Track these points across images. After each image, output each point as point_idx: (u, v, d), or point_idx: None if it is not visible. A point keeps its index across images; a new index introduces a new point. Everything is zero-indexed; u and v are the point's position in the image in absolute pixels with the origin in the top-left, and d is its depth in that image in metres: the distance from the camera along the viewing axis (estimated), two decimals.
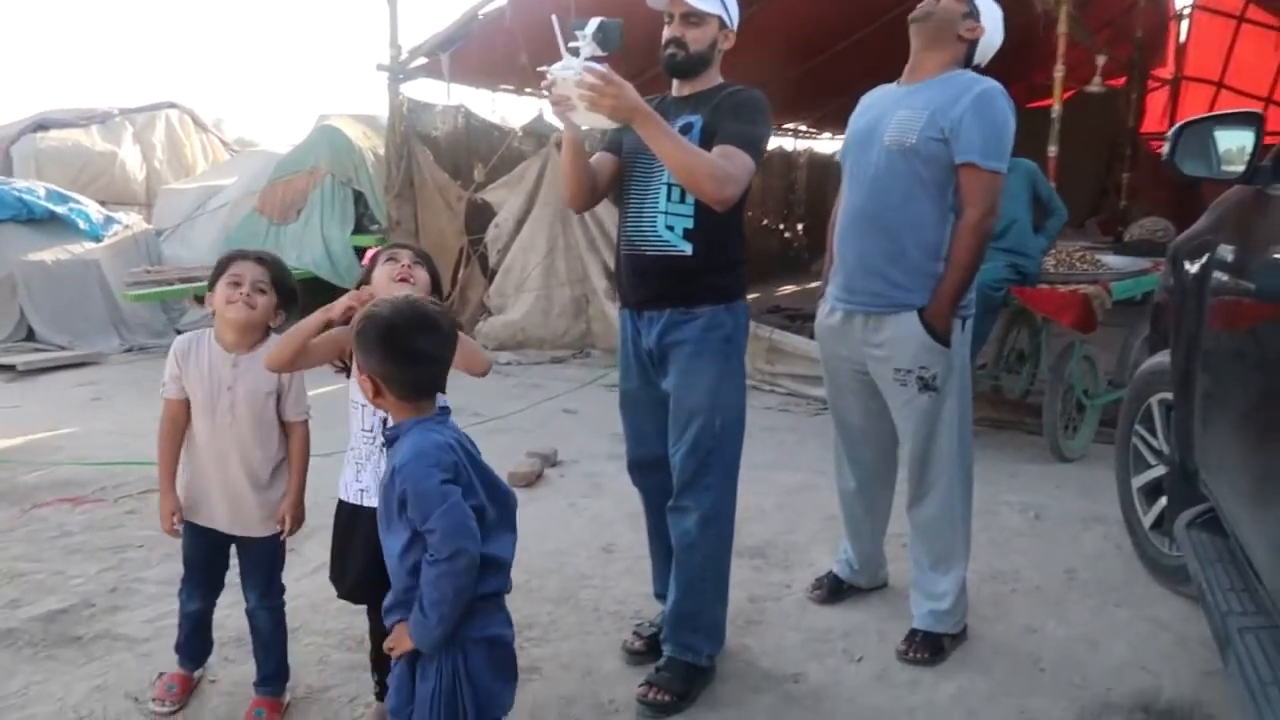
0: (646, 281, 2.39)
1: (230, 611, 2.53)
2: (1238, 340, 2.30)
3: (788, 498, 3.89)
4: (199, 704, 2.40)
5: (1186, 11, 13.35)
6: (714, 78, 2.41)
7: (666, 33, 2.37)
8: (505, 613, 1.79)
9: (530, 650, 2.61)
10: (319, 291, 5.24)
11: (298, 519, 2.32)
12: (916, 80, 2.57)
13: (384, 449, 2.09)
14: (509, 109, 12.45)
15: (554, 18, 2.11)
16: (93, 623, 2.80)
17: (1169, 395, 2.92)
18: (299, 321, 2.07)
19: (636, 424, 2.56)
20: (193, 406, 2.24)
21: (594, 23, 2.11)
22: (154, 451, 2.31)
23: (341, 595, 2.22)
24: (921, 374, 2.53)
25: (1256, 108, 12.56)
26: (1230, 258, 2.39)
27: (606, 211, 6.80)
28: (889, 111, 2.56)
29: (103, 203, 8.54)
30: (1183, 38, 13.52)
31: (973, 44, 2.56)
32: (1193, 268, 2.70)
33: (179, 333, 7.79)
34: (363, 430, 2.13)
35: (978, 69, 2.61)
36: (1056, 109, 6.83)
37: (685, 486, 2.39)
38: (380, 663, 2.24)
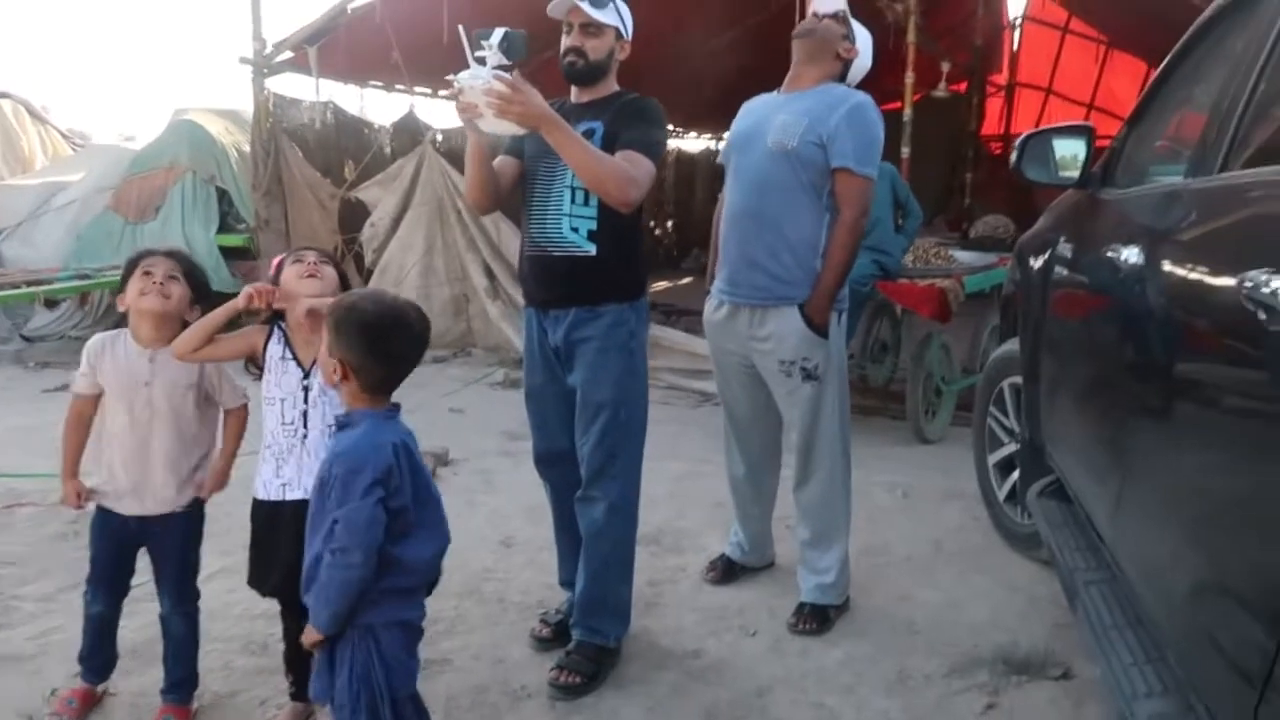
0: (553, 281, 2.48)
1: (124, 623, 2.47)
2: (1075, 328, 2.58)
3: (677, 485, 4.06)
4: (101, 717, 2.36)
5: (1018, 22, 14.33)
6: (611, 85, 2.53)
7: (566, 41, 2.46)
8: (419, 601, 1.88)
9: (439, 643, 2.67)
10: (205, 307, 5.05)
11: (220, 484, 2.33)
12: (796, 90, 2.77)
13: (304, 440, 2.14)
14: (378, 106, 12.21)
15: (460, 28, 2.17)
16: None
17: (1018, 379, 3.20)
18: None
19: (543, 418, 2.65)
20: (109, 403, 2.23)
21: (499, 32, 2.17)
22: (10, 465, 2.27)
23: (265, 593, 2.25)
24: (804, 364, 2.73)
25: (1081, 113, 13.63)
26: (1068, 254, 2.68)
27: None
28: (770, 117, 2.74)
29: None
30: (1015, 46, 14.50)
31: (847, 64, 2.78)
32: (1036, 263, 3.00)
33: (25, 339, 7.40)
34: (283, 424, 2.16)
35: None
36: (908, 113, 7.27)
37: (594, 477, 2.50)
38: (295, 662, 2.27)
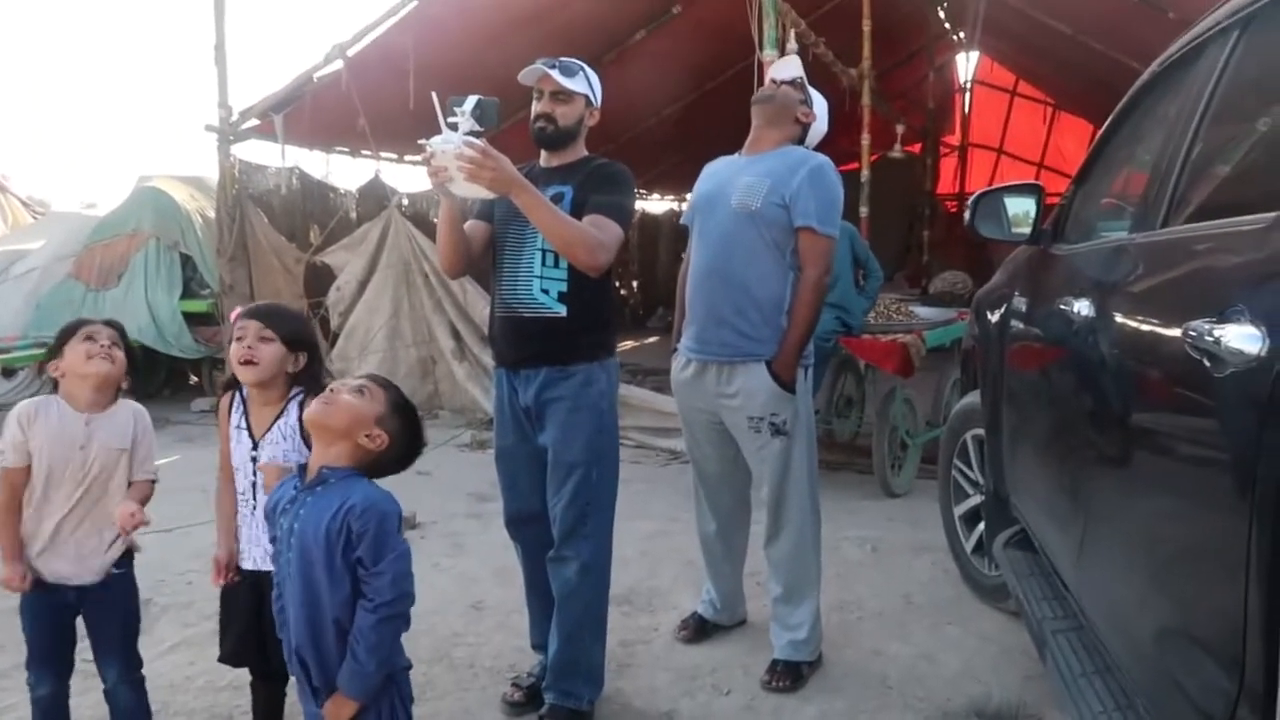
0: (524, 341, 2.51)
1: (76, 700, 2.38)
2: (1032, 379, 2.64)
3: (647, 544, 4.05)
4: None
5: (969, 85, 14.83)
6: (580, 150, 2.58)
7: (536, 107, 2.52)
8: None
9: None
10: (144, 359, 5.01)
11: (130, 517, 2.17)
12: (757, 152, 2.85)
13: (253, 511, 2.11)
14: (344, 171, 12.28)
15: (433, 94, 2.22)
16: None
17: (981, 431, 3.25)
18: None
19: (513, 479, 2.64)
20: (37, 471, 2.16)
21: (471, 100, 2.24)
22: None
23: (221, 659, 2.22)
24: (773, 420, 2.76)
25: (1031, 172, 14.05)
26: (1023, 308, 2.75)
27: None
28: (733, 179, 2.81)
29: None
30: (967, 109, 14.98)
31: (806, 127, 2.88)
32: (993, 318, 3.07)
33: None
34: (239, 494, 2.15)
35: None
36: (865, 173, 7.46)
37: (565, 537, 2.50)
38: None
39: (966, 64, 14.47)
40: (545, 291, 2.46)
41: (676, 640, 3.11)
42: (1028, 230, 2.75)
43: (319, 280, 7.33)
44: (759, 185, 2.73)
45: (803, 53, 5.66)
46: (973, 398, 3.41)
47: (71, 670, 2.30)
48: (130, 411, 2.26)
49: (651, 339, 11.27)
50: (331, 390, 1.81)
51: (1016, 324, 2.77)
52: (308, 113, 6.74)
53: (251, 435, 2.15)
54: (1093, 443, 1.93)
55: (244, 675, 2.41)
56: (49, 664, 2.23)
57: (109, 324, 2.27)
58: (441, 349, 6.99)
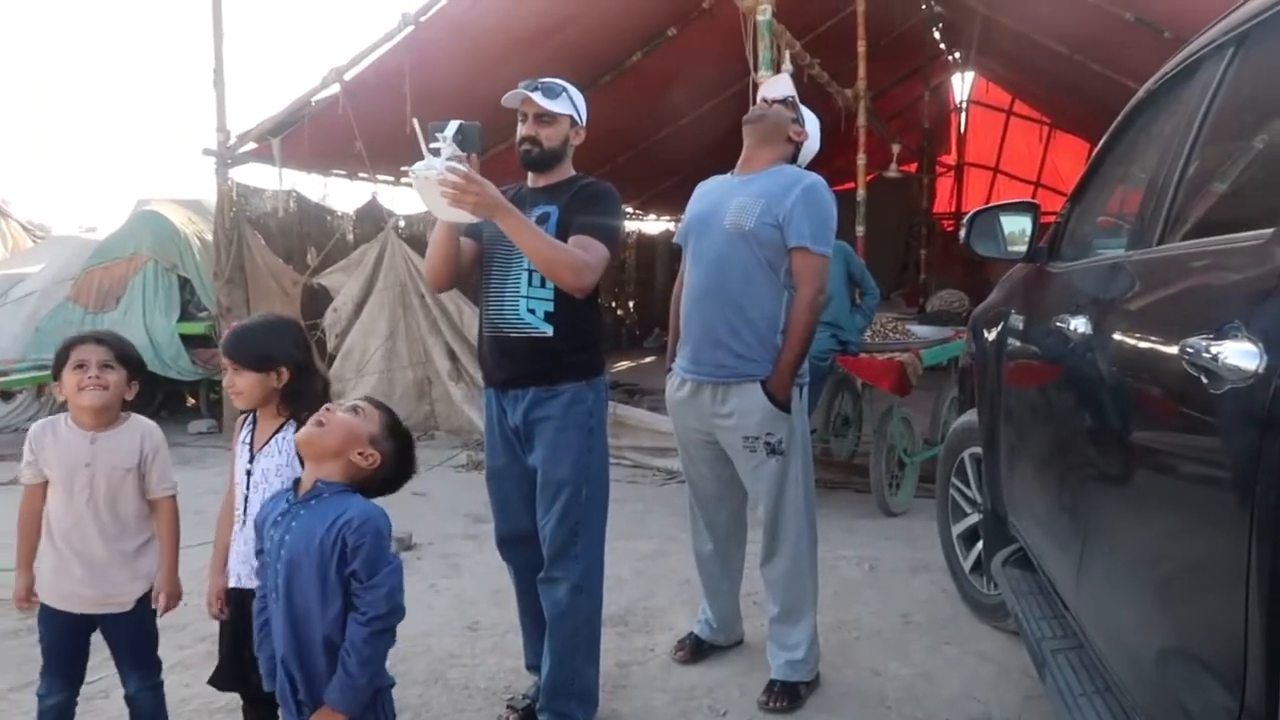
0: (511, 361, 2.50)
1: (83, 705, 2.39)
2: (1029, 397, 2.63)
3: (643, 564, 4.02)
4: None
5: (964, 105, 14.93)
6: (567, 170, 2.58)
7: (521, 130, 2.52)
8: None
9: None
10: (143, 382, 4.99)
11: (173, 595, 2.28)
12: (749, 172, 2.85)
13: (243, 525, 2.10)
14: (341, 194, 12.32)
15: (415, 120, 2.22)
16: None
17: (979, 449, 3.23)
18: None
19: (504, 499, 2.63)
20: (50, 488, 2.21)
21: (453, 125, 2.23)
22: None
23: (209, 681, 2.21)
24: (768, 439, 2.75)
25: (1028, 190, 14.12)
26: (1019, 326, 2.75)
27: (448, 295, 6.87)
28: (726, 199, 2.81)
29: None
30: (963, 128, 15.07)
31: (798, 146, 2.88)
32: (990, 335, 3.07)
33: None
34: (234, 512, 2.14)
35: None
36: (861, 193, 7.49)
37: (556, 557, 2.48)
38: None
39: (962, 84, 14.60)
40: (532, 311, 2.45)
41: (673, 661, 3.08)
42: (1024, 248, 2.75)
43: (316, 302, 7.32)
44: (752, 205, 2.73)
45: (798, 73, 5.70)
46: (970, 416, 3.40)
47: (81, 682, 2.31)
48: (139, 430, 2.26)
49: (648, 359, 11.26)
50: (326, 409, 1.82)
51: (1013, 342, 2.76)
52: (305, 136, 6.76)
53: (251, 449, 2.15)
54: (1091, 460, 1.92)
55: (238, 699, 2.39)
56: (60, 675, 2.25)
57: (100, 340, 2.24)
58: (438, 370, 6.98)
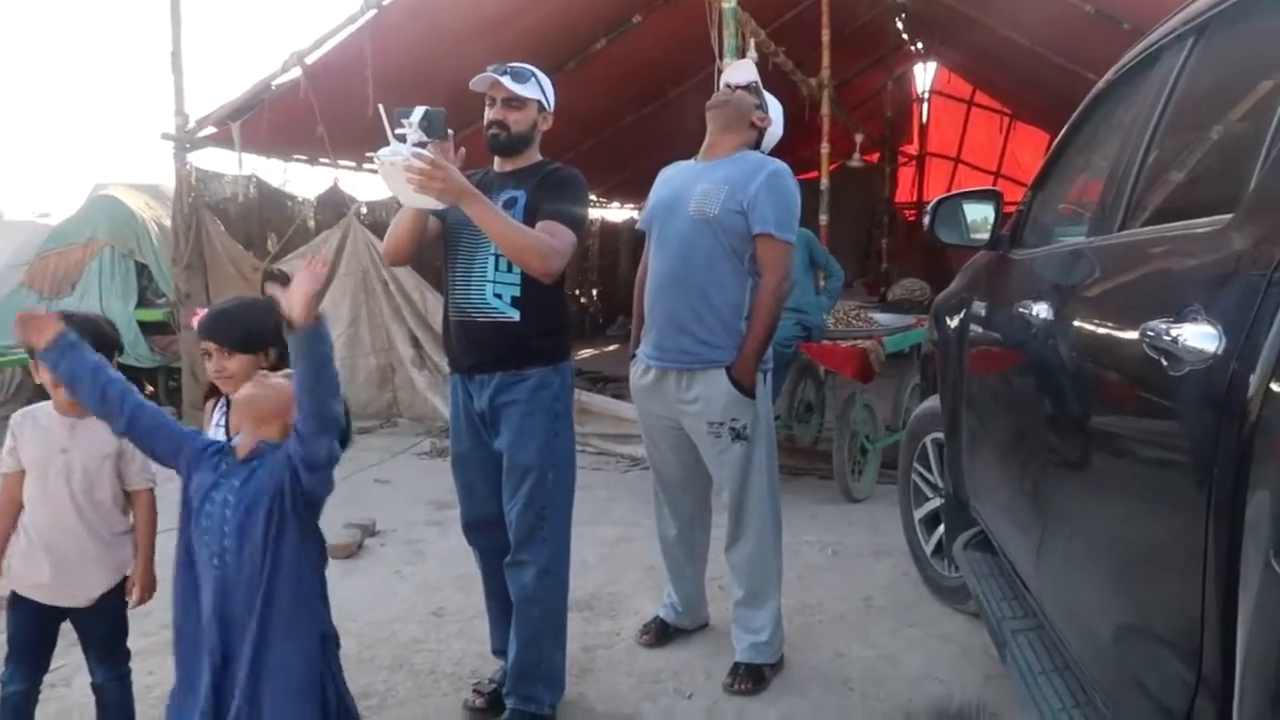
0: (477, 346, 2.48)
1: (44, 693, 2.34)
2: (991, 383, 2.67)
3: (608, 550, 4.03)
4: None
5: (926, 95, 15.06)
6: (534, 155, 2.57)
7: (489, 114, 2.50)
8: None
9: (370, 719, 2.59)
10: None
11: (147, 587, 2.25)
12: (713, 158, 2.85)
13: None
14: (302, 179, 12.16)
15: (380, 106, 2.20)
16: None
17: (940, 435, 3.28)
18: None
19: (470, 485, 2.62)
20: (27, 474, 2.17)
21: (419, 111, 2.21)
22: None
23: None
24: (733, 425, 2.76)
25: (989, 180, 14.30)
26: (981, 313, 2.78)
27: (410, 279, 6.80)
28: (690, 185, 2.81)
29: None
30: (925, 118, 15.20)
31: (762, 132, 2.89)
32: (952, 322, 3.10)
33: None
34: None
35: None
36: (824, 182, 7.53)
37: (522, 541, 2.47)
38: None
39: (924, 74, 14.72)
40: (498, 296, 2.44)
41: (638, 644, 3.09)
42: (986, 236, 2.77)
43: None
44: (716, 192, 2.73)
45: (763, 62, 5.71)
46: (932, 402, 3.44)
47: (45, 670, 2.28)
48: None
49: (611, 347, 11.25)
50: (261, 374, 1.88)
51: (975, 328, 2.80)
52: (265, 120, 6.63)
53: (228, 432, 2.11)
54: (1052, 444, 1.95)
55: None
56: (26, 662, 2.22)
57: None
58: (401, 357, 6.92)
